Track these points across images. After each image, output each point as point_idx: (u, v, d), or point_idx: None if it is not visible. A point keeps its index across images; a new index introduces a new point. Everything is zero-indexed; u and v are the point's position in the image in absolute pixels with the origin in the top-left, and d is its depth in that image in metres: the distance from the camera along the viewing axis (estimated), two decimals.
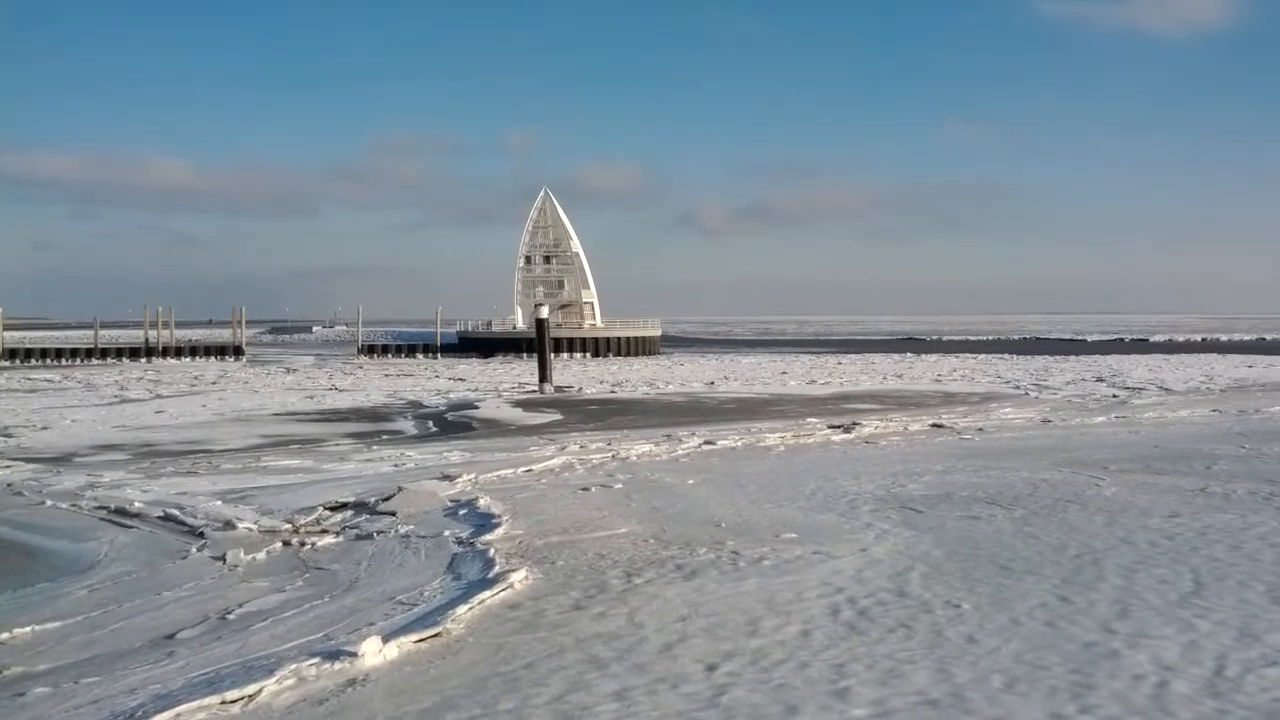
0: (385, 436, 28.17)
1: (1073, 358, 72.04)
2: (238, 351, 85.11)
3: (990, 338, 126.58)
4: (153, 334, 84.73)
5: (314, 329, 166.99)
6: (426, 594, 10.56)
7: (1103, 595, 9.87)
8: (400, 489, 16.59)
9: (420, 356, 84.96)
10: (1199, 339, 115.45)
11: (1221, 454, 19.63)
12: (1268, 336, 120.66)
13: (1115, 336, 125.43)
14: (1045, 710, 7.10)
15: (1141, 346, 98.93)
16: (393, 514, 14.87)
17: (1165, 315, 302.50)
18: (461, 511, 14.84)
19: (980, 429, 25.75)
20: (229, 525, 14.34)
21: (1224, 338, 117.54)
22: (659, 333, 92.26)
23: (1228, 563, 11.03)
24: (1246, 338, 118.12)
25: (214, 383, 52.08)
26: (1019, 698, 7.34)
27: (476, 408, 37.15)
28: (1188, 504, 14.46)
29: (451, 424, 31.80)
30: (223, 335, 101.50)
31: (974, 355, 78.99)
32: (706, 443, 22.88)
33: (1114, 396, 37.95)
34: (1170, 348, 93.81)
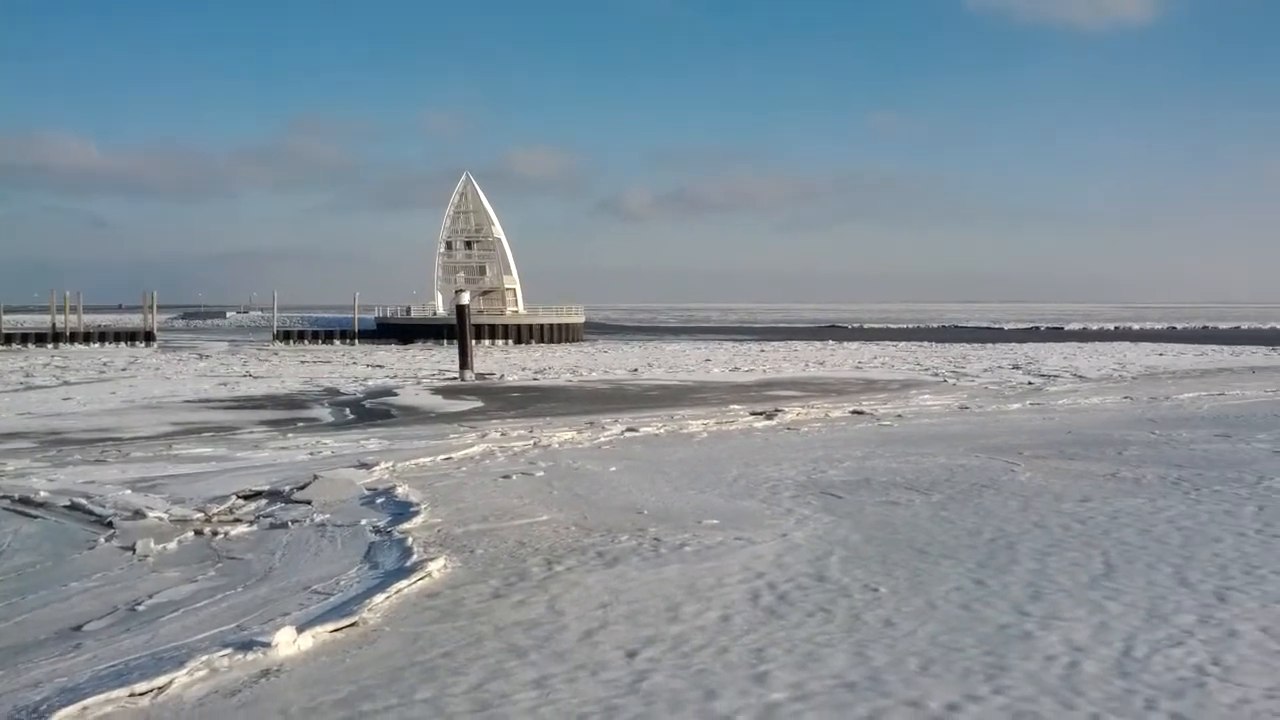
0: (301, 424, 27.71)
1: (990, 346, 73.39)
2: (149, 337, 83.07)
3: (910, 326, 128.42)
4: (60, 319, 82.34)
5: (228, 314, 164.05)
6: (342, 583, 10.38)
7: (1016, 578, 10.03)
8: (316, 477, 16.31)
9: (338, 343, 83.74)
10: (1112, 328, 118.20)
11: (1132, 440, 20.10)
12: (1178, 325, 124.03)
13: (1031, 325, 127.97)
14: (959, 691, 7.19)
15: (1056, 335, 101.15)
16: (308, 503, 14.61)
17: (1080, 304, 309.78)
18: (379, 500, 14.64)
19: (899, 415, 26.08)
20: (139, 514, 13.96)
21: (1136, 326, 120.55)
22: (582, 319, 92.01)
23: (1137, 546, 11.28)
24: (1158, 326, 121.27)
25: (124, 369, 50.80)
26: (934, 679, 7.43)
27: (395, 395, 36.72)
28: (1099, 489, 14.77)
29: (369, 411, 31.38)
30: (133, 321, 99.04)
31: (894, 343, 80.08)
32: (629, 430, 22.86)
33: (1029, 384, 38.70)
34: (1084, 336, 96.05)
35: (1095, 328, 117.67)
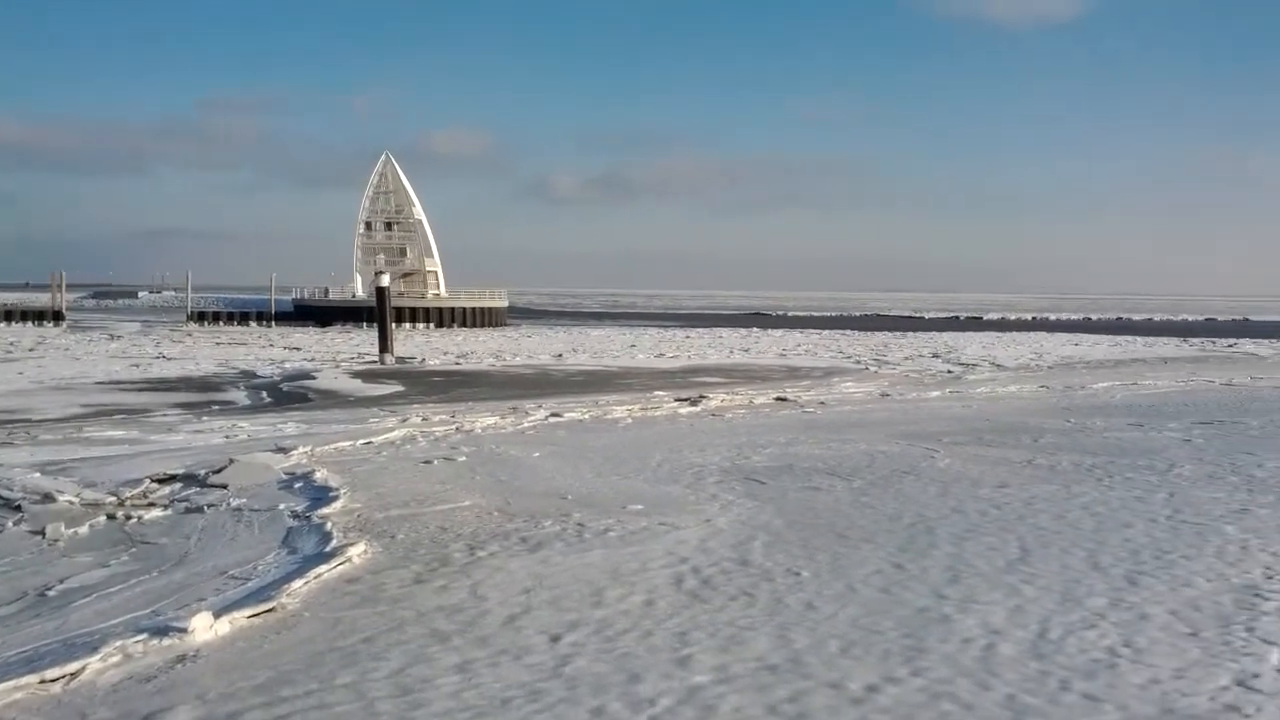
0: (216, 407, 27.18)
1: (911, 334, 74.43)
2: (57, 317, 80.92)
3: (833, 314, 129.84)
4: None
5: (140, 294, 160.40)
6: (260, 568, 10.20)
7: (935, 562, 10.18)
8: (232, 461, 16.00)
9: (254, 324, 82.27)
10: (1029, 318, 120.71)
11: (1048, 428, 20.52)
12: (1093, 316, 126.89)
13: (951, 314, 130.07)
14: (879, 673, 7.28)
15: (976, 324, 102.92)
16: (224, 487, 14.33)
17: (999, 294, 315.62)
18: (297, 484, 14.41)
19: (822, 402, 26.33)
20: (48, 498, 13.58)
21: (1052, 317, 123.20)
22: (505, 304, 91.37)
23: (1052, 531, 11.52)
24: (1073, 317, 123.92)
25: (31, 349, 49.42)
26: (854, 661, 7.51)
27: (313, 378, 36.20)
28: (1016, 475, 15.05)
29: (287, 395, 30.89)
30: (40, 299, 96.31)
31: (818, 331, 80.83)
32: (553, 415, 22.78)
33: (949, 372, 39.34)
34: (1002, 326, 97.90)
35: (1013, 318, 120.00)
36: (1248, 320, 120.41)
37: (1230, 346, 60.59)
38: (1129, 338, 72.68)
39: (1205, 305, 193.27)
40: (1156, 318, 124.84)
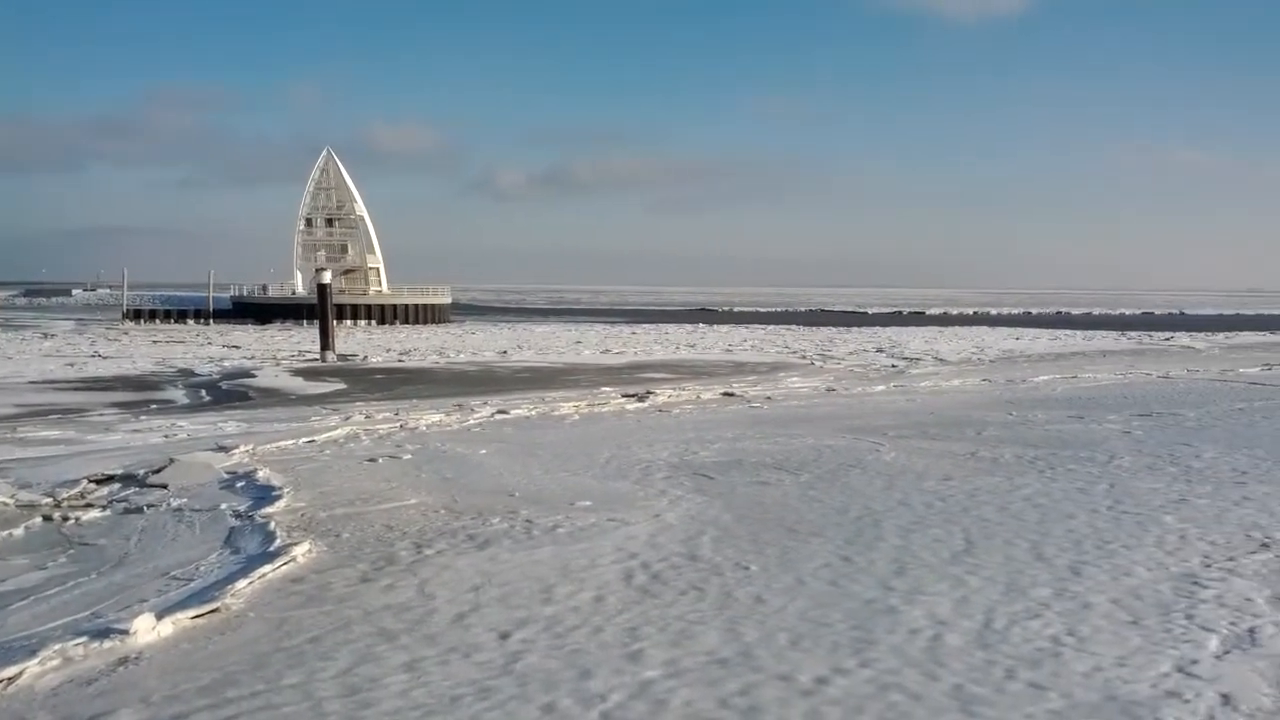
0: (154, 406, 26.73)
1: (855, 329, 75.06)
2: None
3: (779, 309, 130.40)
4: None
5: (74, 292, 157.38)
6: (203, 569, 10.04)
7: (882, 555, 10.26)
8: (172, 461, 15.75)
9: (191, 322, 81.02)
10: (971, 312, 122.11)
11: (991, 421, 20.76)
12: (1033, 311, 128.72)
13: (894, 309, 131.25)
14: (828, 665, 7.32)
15: (919, 319, 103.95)
16: (164, 486, 14.10)
17: (941, 289, 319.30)
18: (239, 484, 14.20)
19: (769, 397, 26.43)
20: None
21: (994, 311, 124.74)
22: (449, 300, 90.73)
23: (995, 522, 11.65)
24: (1014, 312, 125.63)
25: None
26: (803, 654, 7.54)
27: (254, 376, 35.73)
28: (960, 468, 15.21)
29: (226, 393, 30.47)
30: None
31: (763, 326, 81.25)
32: (499, 412, 22.66)
33: (893, 366, 39.68)
34: (945, 320, 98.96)
35: (955, 312, 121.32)
36: (1183, 314, 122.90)
37: (1167, 340, 61.73)
38: (1068, 332, 73.81)
39: (1142, 300, 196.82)
40: (1095, 312, 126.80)
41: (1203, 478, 14.31)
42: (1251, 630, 8.03)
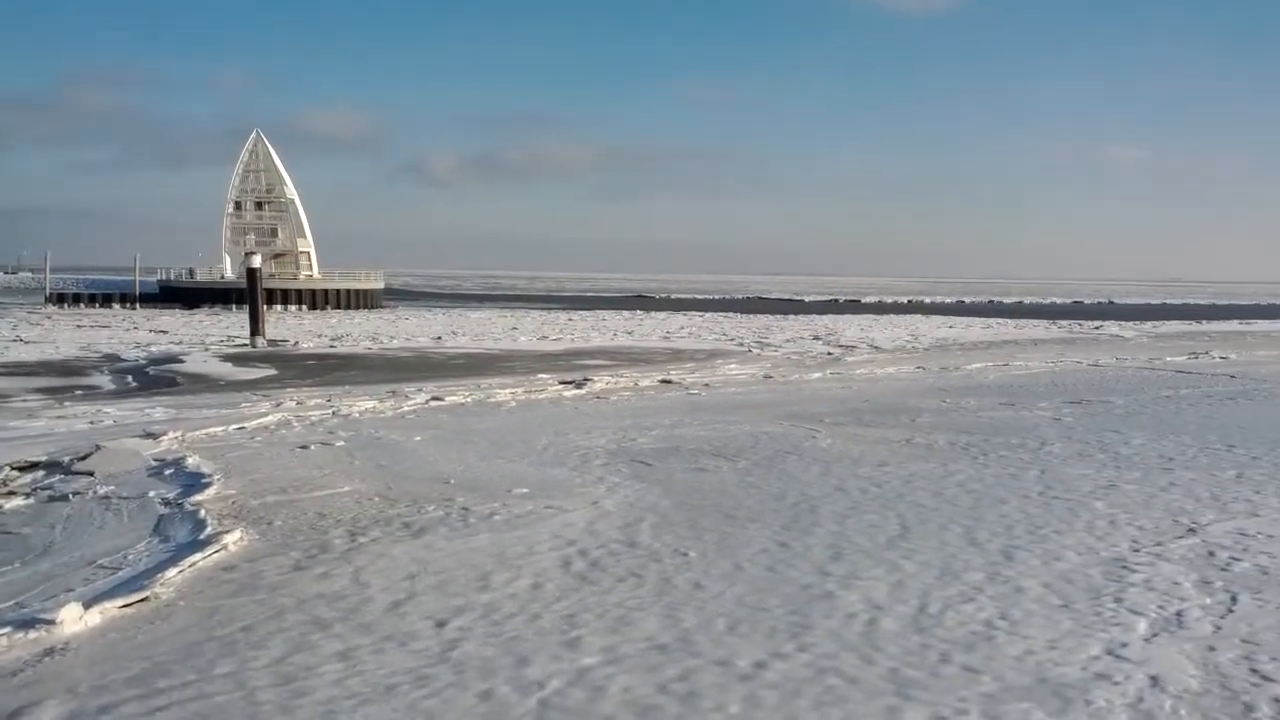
0: (79, 392, 26.14)
1: (792, 317, 75.52)
2: None
3: (716, 297, 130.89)
4: None
5: None
6: (131, 557, 9.82)
7: (818, 540, 10.32)
8: (98, 447, 15.40)
9: (117, 307, 79.34)
10: (905, 301, 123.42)
11: (925, 408, 20.99)
12: (966, 299, 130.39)
13: (831, 298, 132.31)
14: (766, 649, 7.34)
15: (854, 307, 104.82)
16: (90, 474, 13.78)
17: (876, 278, 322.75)
18: (168, 471, 13.92)
19: (706, 384, 26.49)
20: None
21: (928, 300, 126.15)
22: (381, 285, 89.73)
23: (930, 508, 11.78)
24: (948, 300, 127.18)
25: None
26: (741, 639, 7.56)
27: (182, 362, 35.09)
28: (895, 454, 15.36)
29: (154, 379, 29.88)
30: None
31: (700, 314, 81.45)
32: (434, 399, 22.46)
33: (829, 354, 39.97)
34: (880, 309, 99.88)
35: (890, 301, 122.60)
36: (1112, 303, 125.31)
37: (1096, 329, 62.89)
38: (1000, 320, 74.91)
39: (1072, 289, 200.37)
40: (1026, 301, 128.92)
41: (1131, 464, 14.59)
42: (1179, 613, 8.19)
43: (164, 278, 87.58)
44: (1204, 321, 76.30)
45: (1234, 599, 8.54)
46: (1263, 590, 8.78)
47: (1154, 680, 6.86)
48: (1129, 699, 6.58)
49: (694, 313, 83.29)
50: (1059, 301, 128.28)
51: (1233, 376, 28.75)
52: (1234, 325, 70.86)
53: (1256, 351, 41.27)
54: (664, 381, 27.01)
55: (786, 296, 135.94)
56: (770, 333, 55.11)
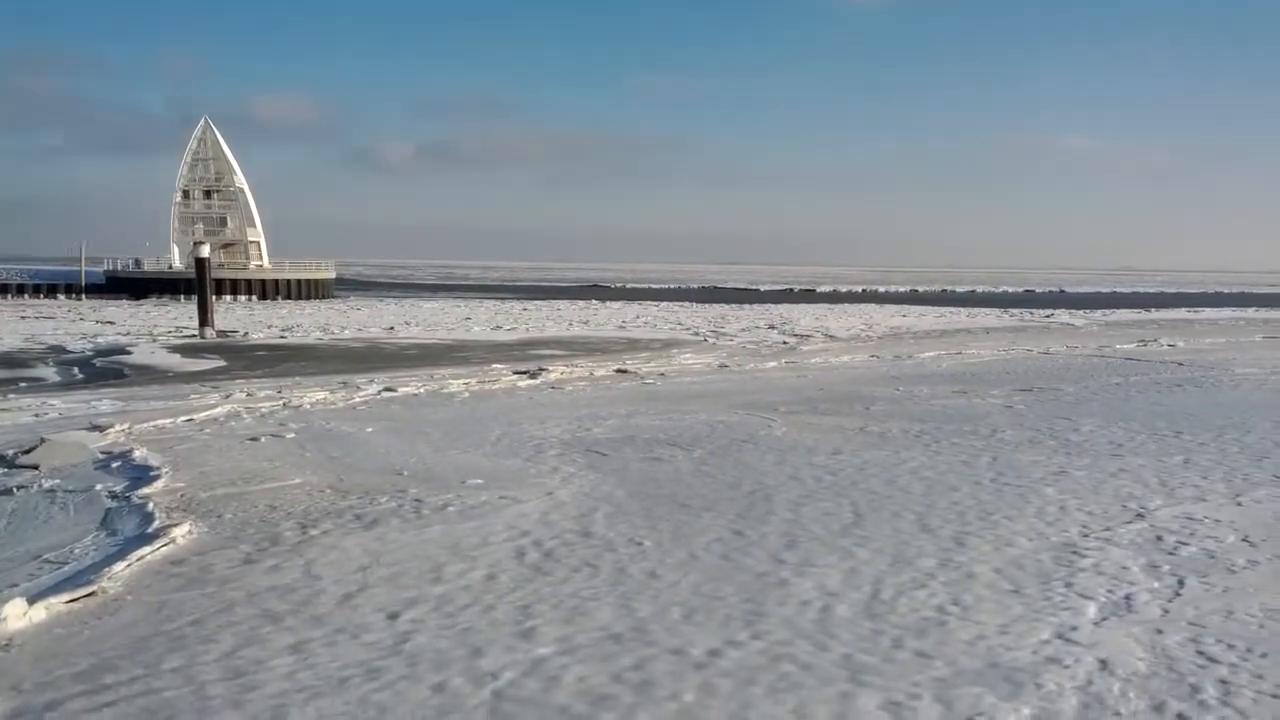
0: (23, 384, 25.68)
1: (747, 306, 75.70)
2: None
3: (671, 286, 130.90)
4: None
5: None
6: (77, 552, 9.66)
7: (773, 528, 10.35)
8: (43, 440, 15.13)
9: (62, 297, 77.94)
10: (860, 290, 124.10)
11: (879, 396, 21.12)
12: (919, 288, 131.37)
13: (786, 287, 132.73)
14: (720, 637, 7.35)
15: (809, 296, 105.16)
16: (35, 467, 13.54)
17: (830, 267, 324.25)
18: (115, 464, 13.71)
19: (662, 374, 26.50)
20: None
21: (882, 289, 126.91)
22: (333, 275, 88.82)
23: (883, 495, 11.85)
24: (901, 289, 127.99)
25: None
26: (696, 627, 7.56)
27: (129, 353, 34.58)
28: (849, 442, 15.44)
29: (100, 370, 29.42)
30: None
31: (656, 303, 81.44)
32: (386, 390, 22.30)
33: (784, 343, 40.11)
34: (834, 298, 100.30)
35: (845, 290, 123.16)
36: (1063, 292, 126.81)
37: (1047, 317, 63.61)
38: (953, 309, 75.54)
39: (1024, 278, 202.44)
40: (979, 290, 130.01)
41: (1081, 450, 14.76)
42: (1127, 597, 8.29)
43: (110, 268, 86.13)
44: (1153, 309, 77.42)
45: (1181, 583, 8.67)
46: (1209, 574, 8.92)
47: (1103, 663, 6.94)
48: (1079, 682, 6.65)
49: (649, 302, 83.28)
50: (1011, 290, 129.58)
51: (1181, 364, 29.19)
52: (1182, 313, 71.96)
53: (1204, 339, 41.93)
54: (619, 371, 26.99)
55: (742, 286, 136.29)
56: (725, 322, 55.24)
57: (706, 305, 77.52)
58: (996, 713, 6.22)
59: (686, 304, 79.93)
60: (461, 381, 24.03)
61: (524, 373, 25.99)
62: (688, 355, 33.54)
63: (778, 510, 11.11)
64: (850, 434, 16.19)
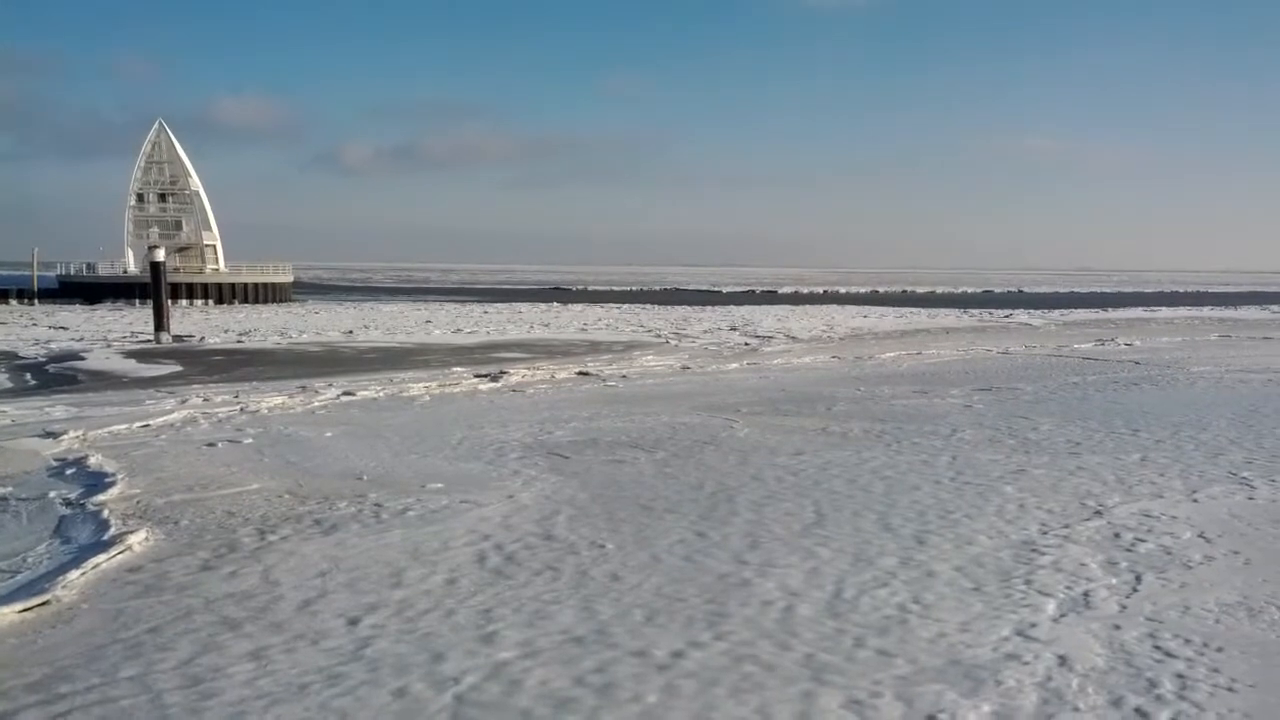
0: None
1: (709, 308, 75.79)
2: None
3: (633, 288, 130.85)
4: None
5: None
6: (31, 560, 9.50)
7: (736, 529, 10.36)
8: None
9: (14, 303, 76.60)
10: (821, 291, 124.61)
11: (840, 396, 21.21)
12: (880, 289, 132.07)
13: (747, 288, 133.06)
14: (683, 639, 7.34)
15: (771, 298, 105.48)
16: None
17: (792, 269, 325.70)
18: (69, 471, 13.51)
19: (624, 376, 26.48)
20: None
21: (843, 290, 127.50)
22: (291, 279, 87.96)
23: (845, 495, 11.90)
24: (861, 290, 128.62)
25: None
26: (659, 629, 7.55)
27: (83, 359, 34.10)
28: (810, 442, 15.49)
29: (54, 376, 28.99)
30: None
31: (618, 305, 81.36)
32: (345, 394, 22.13)
33: (746, 344, 40.20)
34: (796, 299, 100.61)
35: (806, 291, 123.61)
36: (1022, 292, 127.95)
37: (1006, 317, 64.15)
38: (913, 309, 76.01)
39: (983, 278, 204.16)
40: (939, 290, 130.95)
41: (1040, 449, 14.89)
42: (1086, 594, 8.37)
43: (64, 272, 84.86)
44: (1110, 309, 78.30)
45: (1139, 579, 8.76)
46: (1166, 570, 9.02)
47: (1062, 659, 7.00)
48: (1038, 678, 6.70)
49: (611, 304, 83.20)
50: (970, 291, 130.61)
51: (1137, 362, 29.54)
52: (1139, 312, 72.85)
53: (1160, 338, 42.49)
54: (581, 373, 26.95)
55: (704, 288, 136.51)
56: (687, 324, 55.29)
57: (669, 307, 77.55)
58: (957, 710, 6.26)
59: (648, 306, 79.93)
60: (422, 385, 23.89)
61: (485, 376, 25.89)
62: (650, 357, 33.54)
63: (740, 511, 11.12)
64: (812, 434, 16.25)
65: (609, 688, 6.55)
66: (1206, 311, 74.64)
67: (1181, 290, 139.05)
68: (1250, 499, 11.75)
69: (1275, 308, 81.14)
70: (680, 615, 7.85)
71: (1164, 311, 74.92)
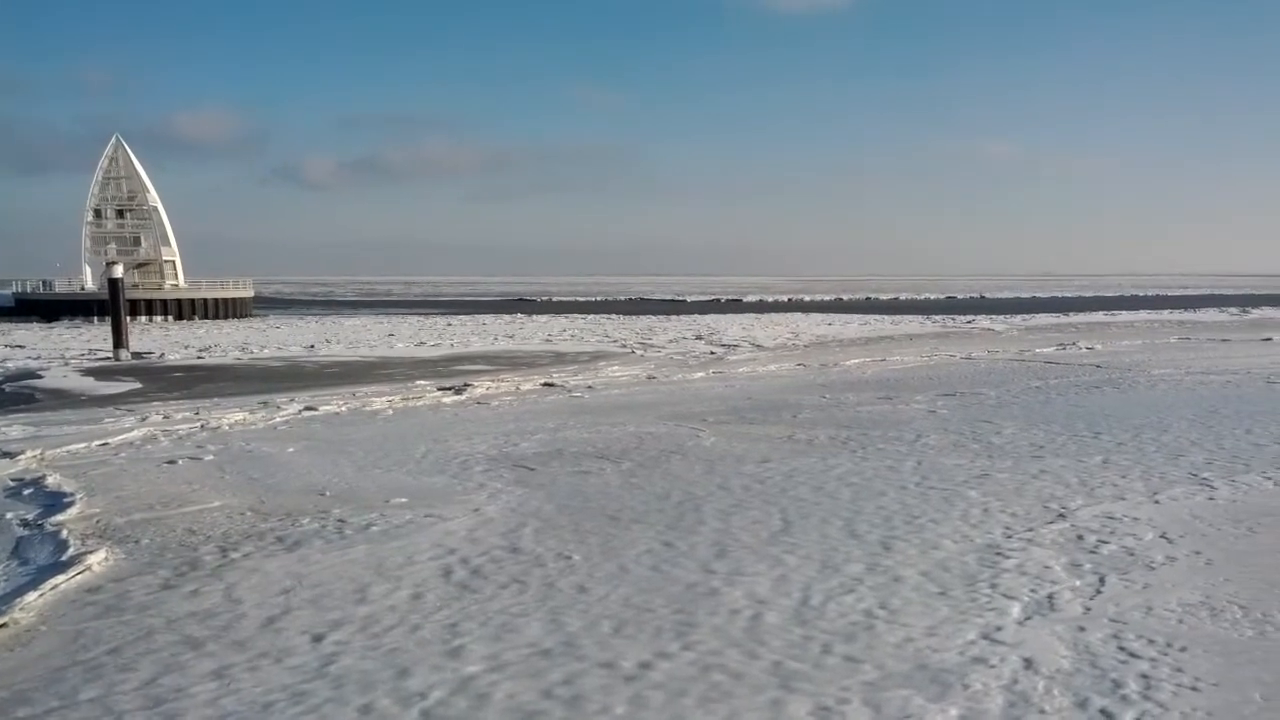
0: None
1: (674, 318, 75.86)
2: None
3: (598, 299, 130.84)
4: None
5: None
6: None
7: (703, 538, 10.35)
8: None
9: None
10: (786, 299, 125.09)
11: (806, 404, 21.27)
12: (844, 297, 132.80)
13: (713, 298, 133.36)
14: (651, 650, 7.32)
15: (736, 307, 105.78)
16: None
17: (757, 277, 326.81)
18: (26, 491, 13.31)
19: (590, 386, 26.43)
20: None
21: (807, 298, 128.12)
22: (251, 294, 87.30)
23: (811, 502, 11.92)
24: (826, 298, 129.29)
25: None
26: (627, 640, 7.52)
27: (40, 377, 33.61)
28: (776, 450, 15.51)
29: (10, 396, 28.56)
30: None
31: (583, 316, 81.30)
32: (308, 409, 21.95)
33: (711, 353, 40.26)
34: (761, 308, 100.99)
35: (771, 300, 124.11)
36: (984, 298, 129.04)
37: (969, 323, 64.64)
38: (877, 316, 76.45)
39: (946, 285, 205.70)
40: (902, 297, 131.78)
41: (1003, 453, 14.99)
42: (1050, 596, 8.42)
43: (20, 289, 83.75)
44: (1072, 314, 79.06)
45: (1102, 580, 8.82)
46: (1129, 571, 9.09)
47: (1028, 662, 7.03)
48: (1004, 681, 6.73)
49: (576, 315, 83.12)
50: (933, 297, 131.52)
51: (1098, 366, 29.83)
52: (1100, 316, 73.61)
53: (1120, 341, 42.93)
54: (546, 385, 26.87)
55: (669, 297, 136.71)
56: (653, 333, 55.30)
57: (633, 317, 77.56)
58: (925, 714, 6.27)
59: (614, 316, 79.92)
60: (385, 399, 23.74)
61: (449, 389, 25.76)
62: (615, 367, 33.50)
63: (707, 520, 11.11)
64: (778, 442, 16.27)
65: (577, 700, 6.52)
66: (1166, 315, 75.55)
67: (1141, 294, 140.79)
68: (1211, 499, 11.87)
69: (1233, 310, 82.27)
70: (648, 625, 7.82)
71: (1124, 315, 75.77)
